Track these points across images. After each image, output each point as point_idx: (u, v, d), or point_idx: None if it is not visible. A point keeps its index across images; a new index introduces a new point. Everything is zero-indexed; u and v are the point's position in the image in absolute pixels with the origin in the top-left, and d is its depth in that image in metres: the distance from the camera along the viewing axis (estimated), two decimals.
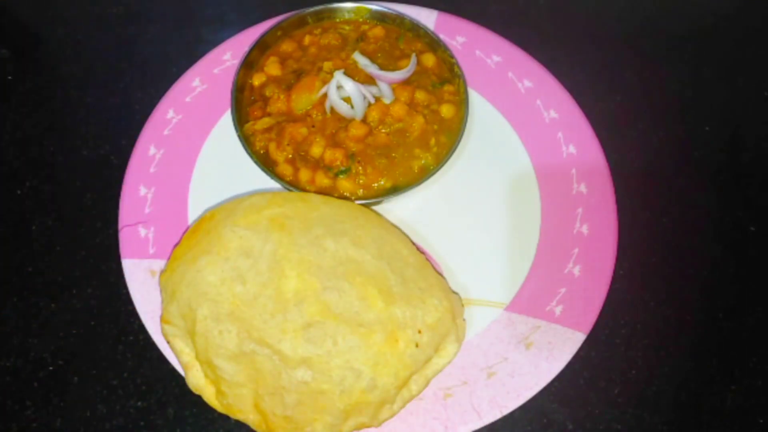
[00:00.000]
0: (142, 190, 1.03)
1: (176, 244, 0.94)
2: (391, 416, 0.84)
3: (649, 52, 1.28)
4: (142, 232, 1.00)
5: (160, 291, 0.90)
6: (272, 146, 1.00)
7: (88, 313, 1.01)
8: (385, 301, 0.82)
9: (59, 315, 1.01)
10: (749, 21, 1.34)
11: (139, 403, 0.95)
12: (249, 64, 1.07)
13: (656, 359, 0.99)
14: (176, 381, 0.85)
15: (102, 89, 1.22)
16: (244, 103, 1.06)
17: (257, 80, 1.07)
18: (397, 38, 1.12)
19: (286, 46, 1.11)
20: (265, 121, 1.02)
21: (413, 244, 0.95)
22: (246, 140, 1.01)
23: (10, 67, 1.25)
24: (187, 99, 1.12)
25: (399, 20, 1.12)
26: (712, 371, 0.99)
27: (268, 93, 1.05)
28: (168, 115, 1.10)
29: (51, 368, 0.98)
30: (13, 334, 1.00)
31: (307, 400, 0.79)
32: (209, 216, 0.92)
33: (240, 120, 1.03)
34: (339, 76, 1.00)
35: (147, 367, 0.97)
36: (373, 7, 1.13)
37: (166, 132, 1.08)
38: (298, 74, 1.06)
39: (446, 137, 1.03)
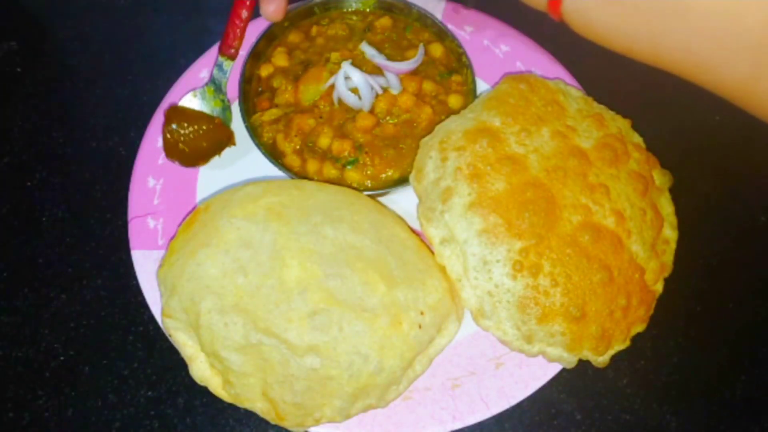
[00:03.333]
0: (151, 182, 1.04)
1: (171, 238, 0.93)
2: (397, 396, 0.85)
3: None
4: (151, 223, 1.00)
5: (159, 285, 0.90)
6: (280, 137, 1.00)
7: (98, 304, 1.02)
8: (387, 284, 0.82)
9: (70, 306, 1.02)
10: None
11: (150, 393, 0.96)
12: (256, 55, 1.07)
13: (665, 349, 0.99)
14: (186, 371, 0.86)
15: (110, 81, 1.22)
16: (252, 95, 1.06)
17: (265, 71, 1.07)
18: (404, 28, 1.11)
19: (294, 37, 1.10)
20: (273, 112, 1.02)
21: (409, 226, 0.95)
22: (254, 131, 1.01)
23: (18, 60, 1.25)
24: None
25: (406, 10, 1.11)
26: (721, 361, 0.98)
27: (275, 84, 1.05)
28: None
29: (62, 359, 0.99)
30: (25, 324, 1.01)
31: (316, 386, 0.79)
32: (204, 207, 0.91)
33: (248, 111, 1.03)
34: (346, 67, 1.00)
35: (157, 357, 0.98)
36: None
37: None
38: (306, 65, 1.06)
39: None
